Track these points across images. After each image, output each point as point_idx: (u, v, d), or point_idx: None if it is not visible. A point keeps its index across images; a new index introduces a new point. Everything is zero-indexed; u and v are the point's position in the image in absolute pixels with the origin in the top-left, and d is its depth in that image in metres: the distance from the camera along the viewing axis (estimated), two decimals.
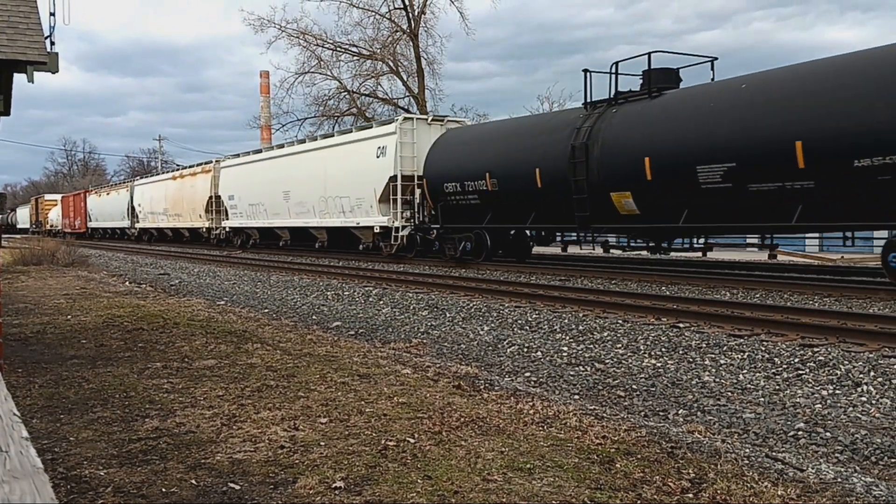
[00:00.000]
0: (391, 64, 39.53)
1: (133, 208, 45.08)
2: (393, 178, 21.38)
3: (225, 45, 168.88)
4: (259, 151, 32.19)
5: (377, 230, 22.17)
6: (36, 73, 6.68)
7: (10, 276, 17.38)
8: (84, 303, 11.97)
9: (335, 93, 40.53)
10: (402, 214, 21.39)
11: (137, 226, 43.65)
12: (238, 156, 33.62)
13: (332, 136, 26.83)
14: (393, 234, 21.55)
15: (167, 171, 45.65)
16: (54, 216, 69.86)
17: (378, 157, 22.11)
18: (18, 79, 6.74)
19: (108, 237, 53.37)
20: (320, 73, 40.32)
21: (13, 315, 10.30)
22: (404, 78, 39.64)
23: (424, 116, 21.48)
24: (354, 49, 39.76)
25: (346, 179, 23.70)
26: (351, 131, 25.53)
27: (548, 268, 17.51)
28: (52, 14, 7.81)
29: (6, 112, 7.77)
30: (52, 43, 7.22)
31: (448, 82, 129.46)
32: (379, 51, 39.16)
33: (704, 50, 79.44)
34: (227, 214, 33.64)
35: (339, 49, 39.85)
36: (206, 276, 19.35)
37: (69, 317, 10.22)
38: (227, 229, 33.81)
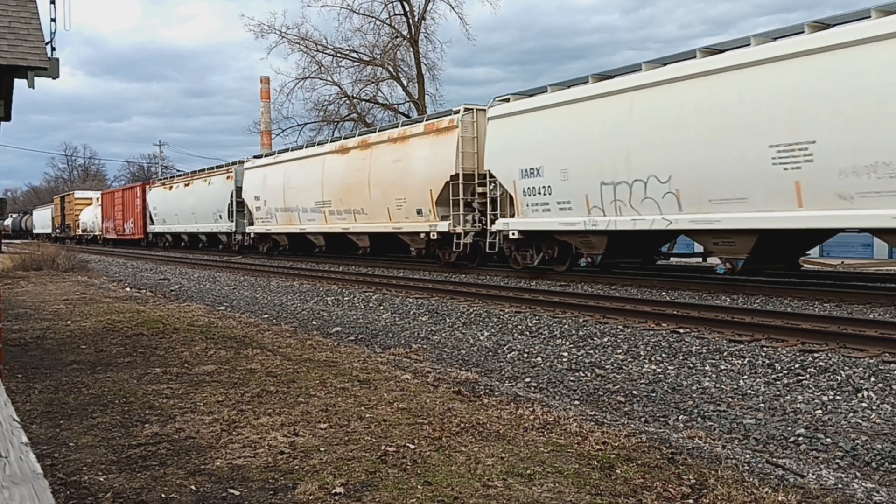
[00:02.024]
0: (391, 69, 39.61)
1: (240, 204, 31.49)
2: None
3: (231, 51, 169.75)
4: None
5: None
6: (39, 79, 6.70)
7: (10, 282, 17.37)
8: (84, 308, 11.97)
9: (335, 98, 40.62)
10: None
11: (252, 229, 30.42)
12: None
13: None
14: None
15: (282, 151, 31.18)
16: (88, 218, 57.40)
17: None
18: (20, 84, 6.74)
19: (186, 247, 39.19)
20: (321, 79, 40.41)
21: (13, 320, 10.29)
22: (404, 83, 39.74)
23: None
24: (355, 55, 39.87)
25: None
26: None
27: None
28: (53, 20, 7.82)
29: (7, 117, 7.78)
30: (53, 48, 7.23)
31: (452, 87, 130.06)
32: (379, 56, 39.24)
33: None
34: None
35: (339, 55, 39.94)
36: (206, 282, 19.34)
37: (69, 322, 10.21)
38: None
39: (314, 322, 11.49)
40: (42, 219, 73.74)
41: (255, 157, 31.38)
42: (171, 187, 39.65)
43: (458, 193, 18.62)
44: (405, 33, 39.01)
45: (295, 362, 7.02)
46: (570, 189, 15.49)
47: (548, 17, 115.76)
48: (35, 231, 75.04)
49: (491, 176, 17.87)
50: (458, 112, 19.17)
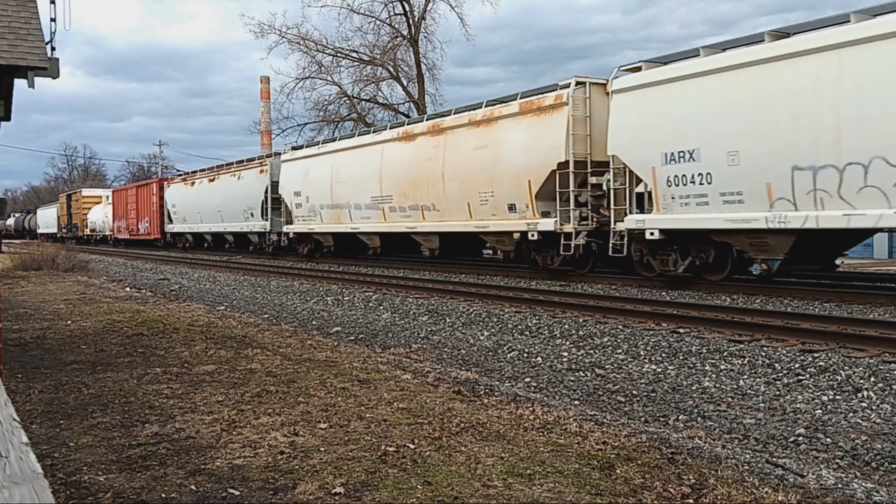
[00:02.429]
0: (391, 69, 39.63)
1: (275, 200, 28.46)
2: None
3: (231, 51, 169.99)
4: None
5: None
6: (39, 79, 6.70)
7: (10, 282, 17.37)
8: (84, 308, 11.97)
9: (335, 98, 40.64)
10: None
11: (290, 229, 27.17)
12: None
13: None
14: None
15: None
16: (98, 217, 53.51)
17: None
18: (20, 84, 6.75)
19: (210, 248, 35.79)
20: (321, 79, 40.41)
21: (13, 320, 10.29)
22: (404, 83, 39.76)
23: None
24: (355, 54, 39.88)
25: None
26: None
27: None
28: (53, 20, 7.82)
29: (6, 117, 7.78)
30: (53, 48, 7.23)
31: (453, 87, 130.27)
32: (379, 56, 39.27)
33: None
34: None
35: (339, 54, 39.96)
36: (206, 282, 19.35)
37: (69, 322, 10.21)
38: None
39: (314, 322, 11.49)
40: (46, 218, 71.03)
41: (294, 147, 28.36)
42: (192, 183, 36.25)
43: (568, 185, 15.40)
44: (405, 33, 39.04)
45: (295, 362, 7.02)
46: (741, 176, 12.26)
47: (549, 17, 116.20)
48: (39, 231, 72.16)
49: (616, 163, 14.59)
50: (566, 86, 15.79)
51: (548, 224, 15.94)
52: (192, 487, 3.73)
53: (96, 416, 5.12)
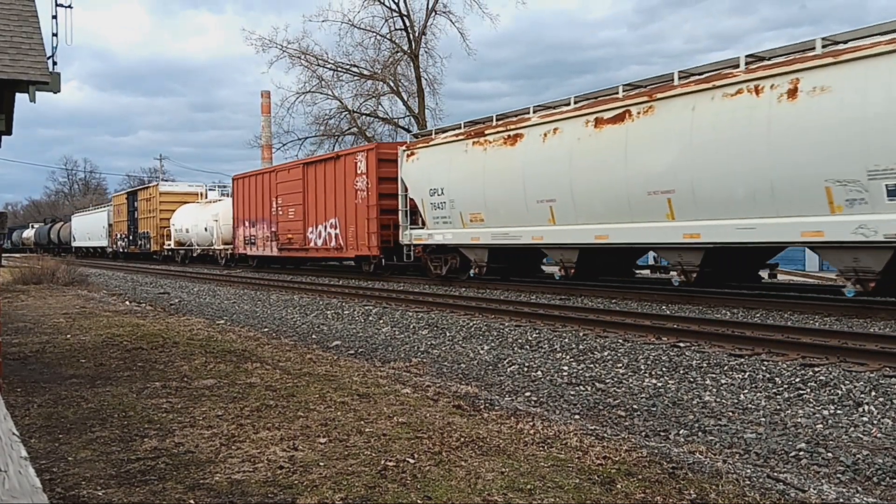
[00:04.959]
0: (392, 84, 39.77)
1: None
2: None
3: (239, 65, 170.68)
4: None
5: None
6: (45, 94, 6.74)
7: (10, 295, 17.37)
8: (83, 322, 11.95)
9: (336, 112, 40.72)
10: None
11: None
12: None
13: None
14: None
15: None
16: (192, 223, 36.63)
17: None
18: (24, 98, 6.78)
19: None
20: (321, 93, 40.52)
21: (13, 334, 10.28)
22: (405, 98, 39.87)
23: None
24: (355, 69, 40.02)
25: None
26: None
27: None
28: (55, 35, 7.88)
29: (8, 131, 7.81)
30: (55, 63, 7.28)
31: (457, 102, 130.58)
32: (380, 71, 39.41)
33: None
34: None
35: (340, 69, 40.10)
36: (206, 295, 19.34)
37: (68, 336, 10.20)
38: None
39: (314, 336, 11.47)
40: (87, 227, 54.49)
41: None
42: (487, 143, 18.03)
43: None
44: (405, 48, 39.21)
45: (294, 376, 7.01)
46: None
47: (555, 32, 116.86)
48: (76, 244, 57.17)
49: None
50: None
51: None
52: (192, 502, 3.72)
53: (95, 431, 5.10)
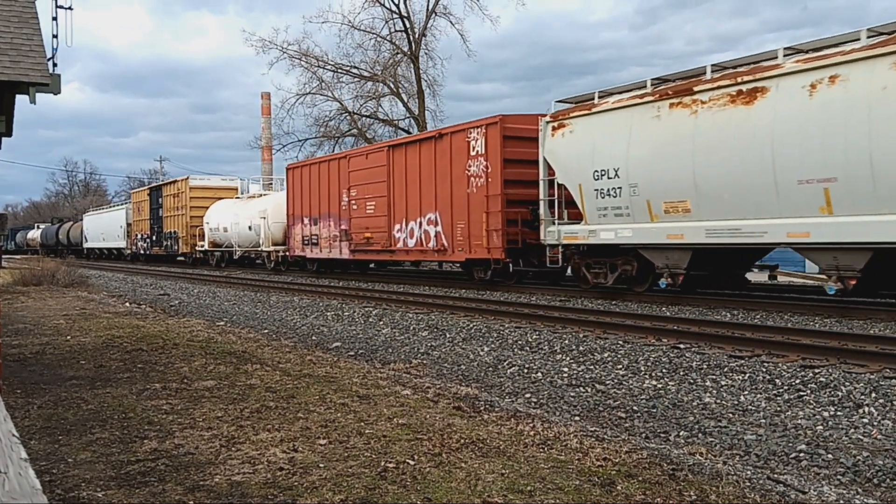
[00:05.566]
0: (392, 85, 39.81)
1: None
2: None
3: (240, 66, 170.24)
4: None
5: None
6: (46, 95, 6.74)
7: (10, 297, 17.37)
8: (83, 323, 11.95)
9: (336, 114, 40.77)
10: None
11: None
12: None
13: None
14: None
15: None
16: (231, 220, 31.95)
17: None
18: (24, 100, 6.79)
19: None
20: (321, 95, 40.57)
21: (12, 335, 10.28)
22: (405, 99, 39.90)
23: None
24: (355, 71, 40.07)
25: None
26: None
27: None
28: (55, 36, 7.89)
29: (8, 133, 7.81)
30: (55, 64, 7.28)
31: (458, 103, 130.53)
32: (380, 72, 39.44)
33: None
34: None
35: (340, 70, 40.15)
36: (206, 297, 19.34)
37: (68, 337, 10.20)
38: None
39: (314, 337, 11.47)
40: (101, 227, 49.76)
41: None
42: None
43: None
44: (406, 50, 39.25)
45: (294, 378, 7.00)
46: None
47: (556, 33, 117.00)
48: (87, 245, 52.62)
49: None
50: None
51: None
52: None
53: (95, 432, 5.10)
